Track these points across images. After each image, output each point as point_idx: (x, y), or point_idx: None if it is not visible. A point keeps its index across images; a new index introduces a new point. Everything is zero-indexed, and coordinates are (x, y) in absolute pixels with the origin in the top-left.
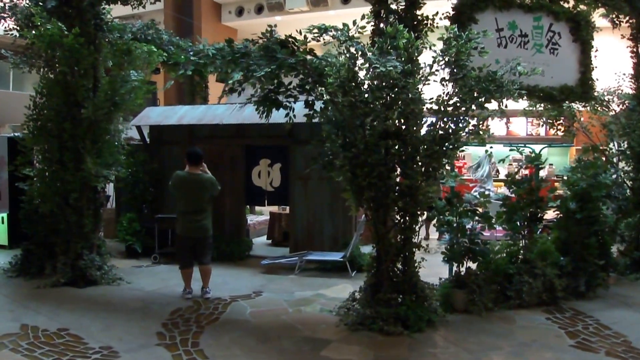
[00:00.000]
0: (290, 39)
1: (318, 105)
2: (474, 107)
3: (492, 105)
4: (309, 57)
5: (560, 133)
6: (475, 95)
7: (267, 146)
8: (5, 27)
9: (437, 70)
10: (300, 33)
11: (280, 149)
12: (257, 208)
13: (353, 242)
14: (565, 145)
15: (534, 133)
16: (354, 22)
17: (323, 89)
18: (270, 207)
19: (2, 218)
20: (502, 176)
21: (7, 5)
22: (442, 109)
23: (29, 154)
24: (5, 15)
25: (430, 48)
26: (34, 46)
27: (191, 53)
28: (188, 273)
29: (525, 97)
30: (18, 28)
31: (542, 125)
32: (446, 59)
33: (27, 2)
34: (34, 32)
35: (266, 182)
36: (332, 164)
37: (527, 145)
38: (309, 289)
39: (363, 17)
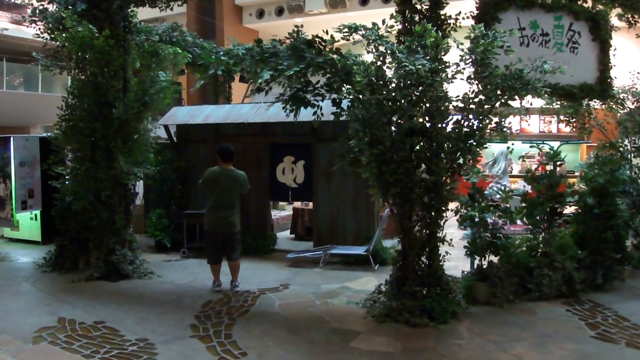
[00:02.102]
0: (317, 39)
1: (344, 103)
2: (497, 104)
3: (515, 103)
4: (335, 56)
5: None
6: (500, 93)
7: (291, 144)
8: (36, 31)
9: (463, 69)
10: (327, 33)
11: (304, 146)
12: (280, 203)
13: (376, 236)
14: (577, 142)
15: (546, 130)
16: (383, 22)
17: (350, 87)
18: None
19: (36, 215)
20: (515, 172)
21: (37, 9)
22: (467, 106)
23: (61, 153)
24: (37, 19)
25: (458, 47)
26: (65, 48)
27: (221, 53)
28: (217, 268)
29: (547, 95)
30: (49, 31)
31: (553, 123)
32: (473, 57)
33: (57, 6)
34: (64, 34)
35: (290, 178)
36: (358, 161)
37: (544, 142)
38: (334, 282)
39: (392, 16)
